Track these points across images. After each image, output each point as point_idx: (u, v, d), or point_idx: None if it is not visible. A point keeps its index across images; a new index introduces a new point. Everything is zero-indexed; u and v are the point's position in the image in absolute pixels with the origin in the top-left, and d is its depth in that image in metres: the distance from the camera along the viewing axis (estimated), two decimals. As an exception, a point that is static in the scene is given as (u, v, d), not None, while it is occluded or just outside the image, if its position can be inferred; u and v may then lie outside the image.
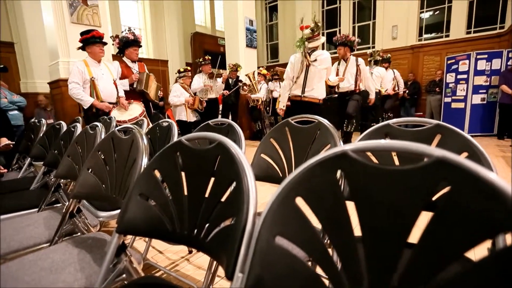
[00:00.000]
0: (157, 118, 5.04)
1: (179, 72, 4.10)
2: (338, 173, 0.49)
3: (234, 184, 0.62)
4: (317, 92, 3.06)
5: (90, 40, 2.75)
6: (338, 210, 0.47)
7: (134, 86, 3.30)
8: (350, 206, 0.47)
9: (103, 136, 1.21)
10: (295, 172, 0.51)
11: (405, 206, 0.42)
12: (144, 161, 0.92)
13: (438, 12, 6.99)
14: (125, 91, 3.22)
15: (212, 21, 9.72)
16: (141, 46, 3.52)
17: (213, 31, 9.71)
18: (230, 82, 4.97)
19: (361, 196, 0.46)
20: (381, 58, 4.95)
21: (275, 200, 0.51)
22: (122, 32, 3.36)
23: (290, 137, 1.13)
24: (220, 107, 5.27)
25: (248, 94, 5.46)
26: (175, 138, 1.50)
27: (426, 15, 7.12)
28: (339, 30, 8.43)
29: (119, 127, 1.05)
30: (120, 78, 3.27)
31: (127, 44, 3.28)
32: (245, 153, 1.12)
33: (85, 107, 2.80)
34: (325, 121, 1.04)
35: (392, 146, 0.44)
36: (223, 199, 0.64)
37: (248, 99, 5.55)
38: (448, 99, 5.98)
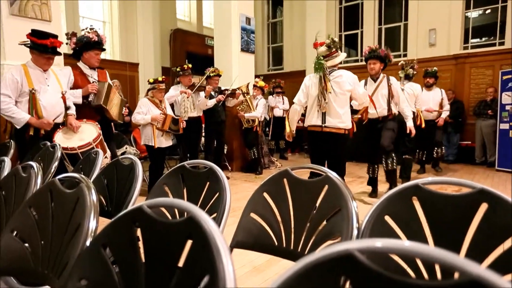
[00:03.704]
0: (119, 141, 5.07)
1: (149, 82, 4.18)
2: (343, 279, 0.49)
3: (206, 278, 0.62)
4: (341, 121, 3.19)
5: (38, 48, 2.82)
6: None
7: (90, 99, 3.33)
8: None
9: (39, 184, 1.21)
10: (284, 275, 0.51)
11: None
12: (92, 226, 0.91)
13: (489, 11, 7.31)
14: (77, 105, 3.24)
15: (198, 16, 10.09)
16: (104, 50, 3.61)
17: (200, 29, 10.05)
18: (213, 94, 5.04)
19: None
20: (415, 72, 5.09)
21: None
22: (83, 30, 3.44)
23: (289, 192, 1.14)
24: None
25: (241, 112, 5.53)
26: (139, 184, 1.51)
27: (473, 14, 7.43)
28: (361, 32, 8.77)
29: (60, 176, 1.05)
30: (71, 89, 3.32)
31: (87, 46, 3.36)
32: (223, 228, 1.12)
33: (18, 127, 2.80)
34: (333, 175, 1.05)
35: (415, 251, 0.45)
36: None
37: (242, 119, 5.61)
38: (505, 126, 6.10)
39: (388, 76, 3.97)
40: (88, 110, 3.33)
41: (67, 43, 3.50)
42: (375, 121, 3.95)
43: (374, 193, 4.17)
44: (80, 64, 3.43)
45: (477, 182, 0.85)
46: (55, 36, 2.92)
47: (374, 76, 3.94)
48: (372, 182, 4.19)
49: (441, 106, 5.55)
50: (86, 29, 3.45)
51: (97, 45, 3.39)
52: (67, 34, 3.52)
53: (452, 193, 0.92)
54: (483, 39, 7.50)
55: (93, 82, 3.39)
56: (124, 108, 3.66)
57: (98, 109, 3.35)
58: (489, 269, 0.41)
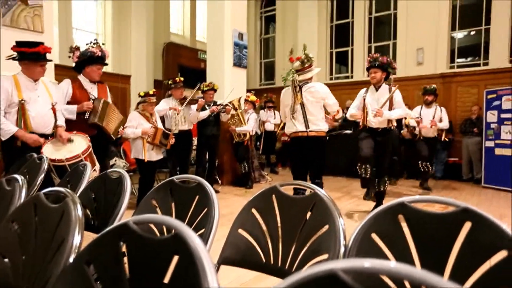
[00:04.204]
0: (109, 153, 5.02)
1: (139, 96, 4.18)
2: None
3: (192, 296, 0.61)
4: (321, 124, 3.47)
5: (31, 57, 2.80)
6: None
7: (86, 116, 3.31)
8: None
9: (23, 197, 1.19)
10: (272, 294, 0.51)
11: None
12: (76, 242, 0.89)
13: (474, 32, 7.56)
14: (70, 120, 3.21)
15: (192, 30, 10.18)
16: (107, 64, 3.61)
17: (193, 42, 10.13)
18: (206, 107, 5.03)
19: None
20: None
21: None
22: (88, 44, 3.44)
23: (277, 209, 1.14)
24: (195, 140, 5.30)
25: (233, 127, 5.54)
26: (127, 198, 1.49)
27: (459, 34, 7.68)
28: (352, 49, 8.94)
29: (45, 191, 1.03)
30: (69, 102, 3.29)
31: (90, 60, 3.36)
32: (211, 244, 1.11)
33: (3, 138, 2.76)
34: (321, 192, 1.06)
35: (399, 272, 0.45)
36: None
37: (233, 133, 5.62)
38: (490, 143, 6.21)
39: (390, 86, 3.91)
40: (85, 124, 3.30)
41: (69, 57, 3.51)
42: (374, 131, 3.89)
43: (368, 195, 4.06)
44: (81, 77, 3.43)
45: (463, 198, 0.86)
46: (42, 43, 2.91)
47: (376, 85, 3.90)
48: (365, 182, 3.99)
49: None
50: (90, 43, 3.47)
51: (100, 60, 3.41)
52: (70, 48, 3.53)
53: (437, 211, 0.93)
54: (468, 59, 7.73)
55: (92, 98, 3.35)
56: (122, 126, 3.67)
57: (94, 125, 3.33)
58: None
